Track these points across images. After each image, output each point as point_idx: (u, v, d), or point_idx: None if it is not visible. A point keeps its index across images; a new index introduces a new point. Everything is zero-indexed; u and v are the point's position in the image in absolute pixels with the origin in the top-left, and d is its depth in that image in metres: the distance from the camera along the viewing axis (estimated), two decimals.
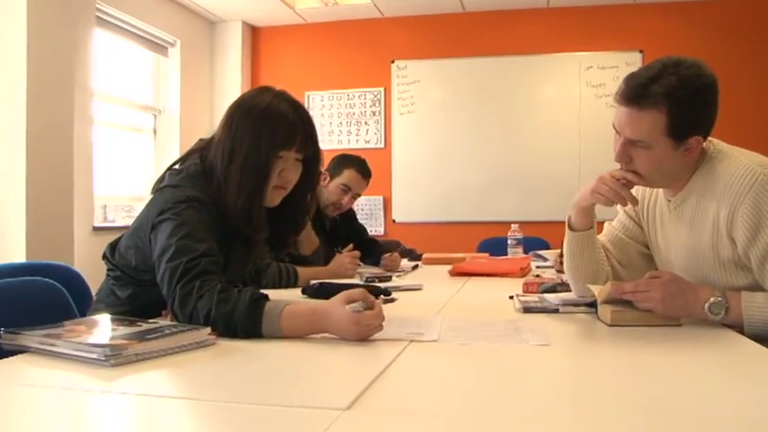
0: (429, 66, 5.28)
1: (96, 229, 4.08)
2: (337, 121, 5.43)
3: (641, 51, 4.92)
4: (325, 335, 1.22)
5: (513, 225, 3.04)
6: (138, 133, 4.93)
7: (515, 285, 1.95)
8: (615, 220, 1.73)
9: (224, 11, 5.27)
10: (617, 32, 4.99)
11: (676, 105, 1.34)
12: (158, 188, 1.52)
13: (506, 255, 3.05)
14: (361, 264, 2.54)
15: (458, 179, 5.18)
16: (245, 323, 1.22)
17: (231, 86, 5.39)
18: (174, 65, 5.07)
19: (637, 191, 1.66)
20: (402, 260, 3.02)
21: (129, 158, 4.84)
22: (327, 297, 1.83)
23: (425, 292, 2.03)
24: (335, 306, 1.21)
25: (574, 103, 5.10)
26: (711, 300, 1.29)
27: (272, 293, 2.09)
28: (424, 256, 3.19)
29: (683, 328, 1.32)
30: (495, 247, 3.52)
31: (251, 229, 1.50)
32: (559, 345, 1.19)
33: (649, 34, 4.90)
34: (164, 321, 1.28)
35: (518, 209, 5.02)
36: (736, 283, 1.38)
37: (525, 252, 3.06)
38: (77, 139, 3.73)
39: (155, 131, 5.05)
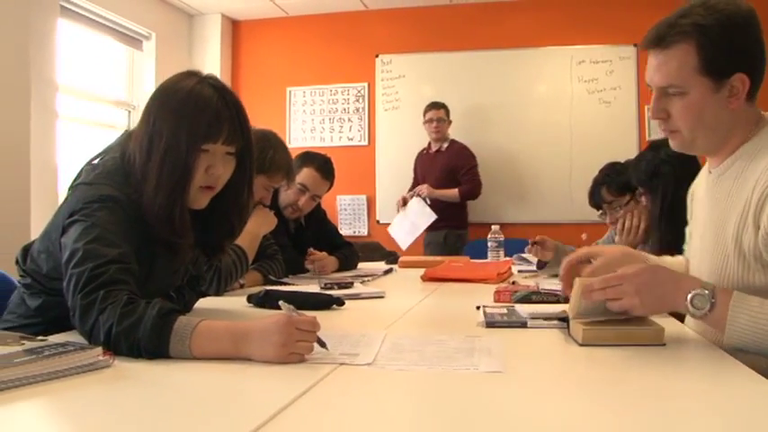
0: (414, 60, 5.06)
1: None
2: (319, 117, 5.22)
3: (635, 45, 4.70)
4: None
5: (493, 226, 2.82)
6: (112, 130, 4.71)
7: (491, 293, 1.75)
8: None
9: (202, 3, 5.07)
10: (610, 25, 4.78)
11: (706, 36, 1.18)
12: (73, 186, 1.37)
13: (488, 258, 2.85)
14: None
15: None
16: (149, 341, 1.04)
17: None
18: (149, 59, 4.87)
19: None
20: (379, 263, 2.93)
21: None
22: (275, 306, 1.66)
23: (387, 301, 1.83)
24: (260, 320, 1.05)
25: (565, 98, 4.88)
26: (696, 291, 1.08)
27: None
28: (400, 259, 3.00)
29: (668, 348, 1.11)
30: (483, 249, 3.29)
31: (172, 234, 1.33)
32: (516, 371, 0.98)
33: (644, 27, 4.66)
34: (55, 339, 1.08)
35: (509, 210, 4.81)
36: (753, 283, 1.15)
37: (508, 255, 2.85)
38: (36, 136, 3.53)
39: (129, 128, 4.81)
